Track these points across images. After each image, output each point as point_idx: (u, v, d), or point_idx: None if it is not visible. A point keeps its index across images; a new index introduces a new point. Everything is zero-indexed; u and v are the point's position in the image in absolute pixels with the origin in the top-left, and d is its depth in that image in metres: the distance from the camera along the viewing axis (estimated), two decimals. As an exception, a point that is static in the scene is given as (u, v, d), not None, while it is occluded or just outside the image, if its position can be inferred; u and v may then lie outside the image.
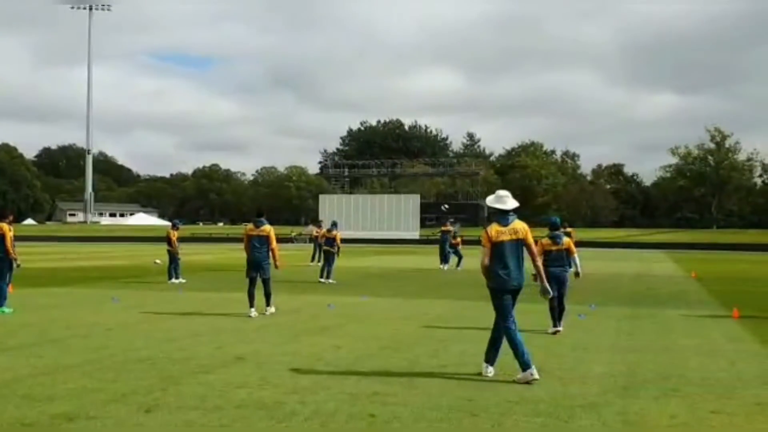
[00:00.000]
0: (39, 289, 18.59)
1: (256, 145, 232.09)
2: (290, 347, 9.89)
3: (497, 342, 8.16)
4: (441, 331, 11.63)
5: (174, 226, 22.75)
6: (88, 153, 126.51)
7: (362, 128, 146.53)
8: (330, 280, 22.05)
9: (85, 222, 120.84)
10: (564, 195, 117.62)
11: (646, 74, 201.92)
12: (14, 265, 14.25)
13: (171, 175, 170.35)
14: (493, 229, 8.00)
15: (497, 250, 7.93)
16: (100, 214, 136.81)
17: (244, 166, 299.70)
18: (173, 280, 21.21)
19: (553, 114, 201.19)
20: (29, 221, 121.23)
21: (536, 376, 7.67)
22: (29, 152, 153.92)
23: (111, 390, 7.13)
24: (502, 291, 8.01)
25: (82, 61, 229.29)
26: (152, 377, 7.76)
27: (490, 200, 8.30)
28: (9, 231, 14.12)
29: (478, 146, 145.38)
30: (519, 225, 8.11)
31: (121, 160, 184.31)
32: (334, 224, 24.25)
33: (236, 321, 12.65)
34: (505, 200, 8.19)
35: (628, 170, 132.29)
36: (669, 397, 7.10)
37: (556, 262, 11.99)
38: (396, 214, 75.56)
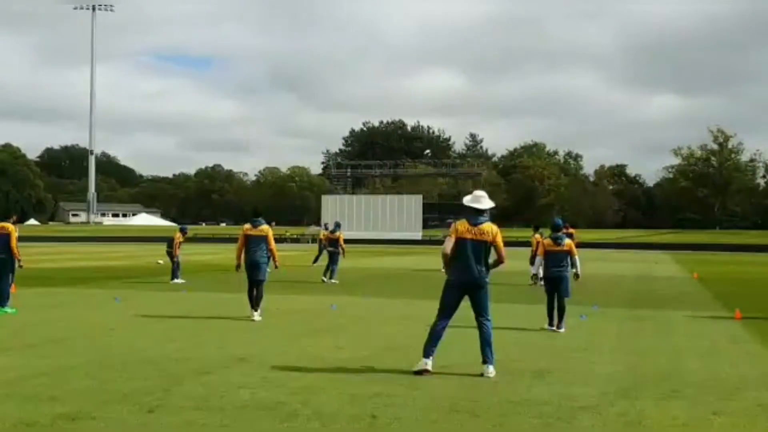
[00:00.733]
0: (41, 290, 18.61)
1: (258, 145, 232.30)
2: (292, 348, 9.90)
3: (480, 337, 8.36)
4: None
5: (183, 231, 22.84)
6: (91, 153, 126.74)
7: (365, 129, 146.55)
8: (333, 280, 22.13)
9: (87, 222, 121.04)
10: (566, 196, 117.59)
11: (648, 75, 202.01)
12: (17, 266, 14.24)
13: (173, 175, 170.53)
14: (462, 224, 8.29)
15: (459, 246, 8.22)
16: (103, 215, 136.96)
17: (246, 166, 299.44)
18: (175, 281, 21.25)
19: (555, 115, 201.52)
20: (32, 221, 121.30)
21: (429, 368, 7.98)
22: (32, 153, 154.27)
23: (113, 390, 7.14)
24: (453, 285, 8.30)
25: (83, 62, 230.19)
26: (154, 377, 7.77)
27: (467, 199, 8.56)
28: (14, 231, 14.14)
29: (481, 147, 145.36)
30: (488, 227, 8.29)
31: (124, 160, 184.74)
32: (338, 225, 24.32)
33: (238, 321, 12.66)
34: (480, 200, 8.45)
35: (631, 171, 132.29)
36: (670, 399, 7.10)
37: (557, 263, 12.10)
38: (398, 214, 75.56)
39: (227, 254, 44.80)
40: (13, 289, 14.43)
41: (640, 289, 20.97)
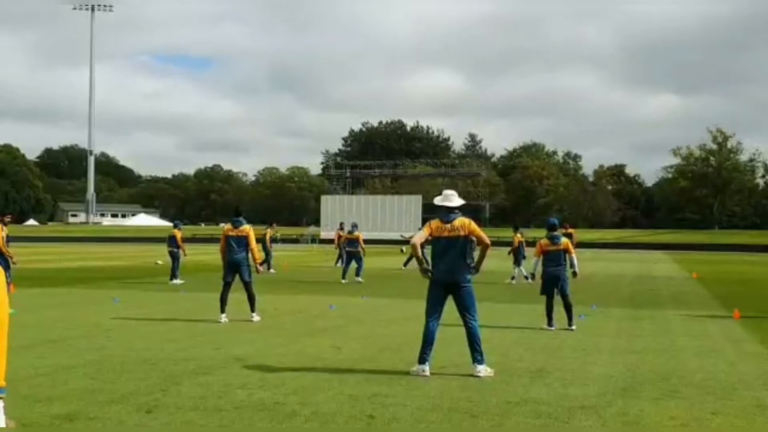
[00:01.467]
0: (40, 290, 18.61)
1: (257, 145, 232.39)
2: (290, 348, 9.90)
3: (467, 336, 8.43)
4: (441, 332, 11.55)
5: (176, 226, 22.85)
6: (90, 154, 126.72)
7: (364, 129, 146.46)
8: (358, 278, 22.62)
9: (86, 223, 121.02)
10: (566, 196, 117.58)
11: (647, 75, 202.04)
12: (10, 263, 14.18)
13: (172, 175, 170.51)
14: (435, 224, 8.44)
15: (436, 245, 8.40)
16: (102, 215, 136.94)
17: (245, 166, 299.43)
18: (174, 281, 21.24)
19: (554, 115, 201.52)
20: (31, 222, 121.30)
21: (427, 373, 8.03)
22: (31, 153, 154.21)
23: (111, 390, 7.13)
24: (435, 285, 8.44)
25: (82, 62, 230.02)
26: (152, 378, 7.76)
27: (437, 199, 8.69)
28: (1, 230, 14.14)
29: (480, 147, 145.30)
30: (460, 222, 8.38)
31: (123, 160, 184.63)
32: (355, 225, 24.83)
33: (236, 322, 12.65)
34: (450, 198, 8.57)
35: (630, 171, 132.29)
36: (669, 398, 7.10)
37: (554, 261, 12.27)
38: (398, 214, 75.56)
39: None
40: (11, 289, 14.40)
41: (639, 289, 20.97)
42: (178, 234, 22.23)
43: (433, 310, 8.47)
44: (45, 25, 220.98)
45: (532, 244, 22.91)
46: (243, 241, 12.88)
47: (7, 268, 14.03)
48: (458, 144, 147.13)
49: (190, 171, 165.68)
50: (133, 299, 16.40)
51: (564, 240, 12.43)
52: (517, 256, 22.99)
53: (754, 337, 11.35)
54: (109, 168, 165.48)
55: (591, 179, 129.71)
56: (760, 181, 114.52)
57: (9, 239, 14.81)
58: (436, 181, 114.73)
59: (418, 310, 14.66)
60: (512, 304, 16.04)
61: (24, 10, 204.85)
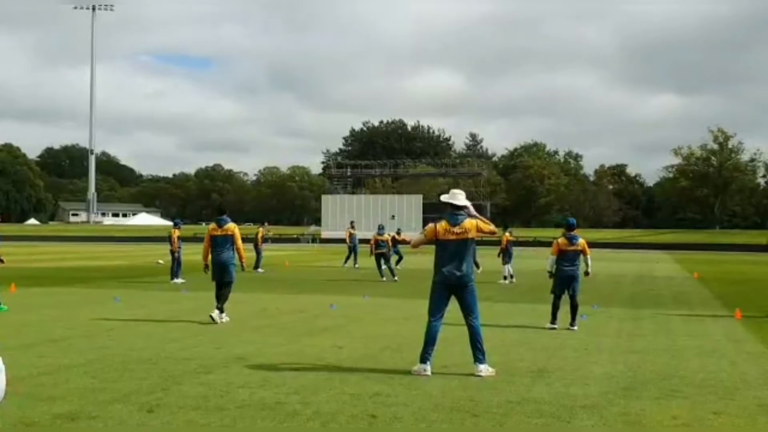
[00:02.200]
0: (41, 289, 18.61)
1: (257, 145, 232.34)
2: (292, 347, 9.89)
3: (469, 336, 8.43)
4: (442, 331, 11.58)
5: (176, 225, 22.91)
6: (91, 153, 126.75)
7: (365, 128, 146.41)
8: (394, 277, 23.24)
9: (87, 222, 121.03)
10: (567, 196, 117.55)
11: (647, 75, 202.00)
12: None
13: (173, 175, 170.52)
14: (441, 226, 8.40)
15: (442, 247, 8.35)
16: (103, 214, 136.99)
17: (246, 166, 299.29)
18: (175, 280, 21.24)
19: (554, 115, 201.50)
20: (32, 221, 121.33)
21: (428, 373, 8.01)
22: (32, 152, 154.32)
23: (113, 390, 7.13)
24: (441, 285, 8.39)
25: (83, 61, 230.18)
26: (154, 377, 7.76)
27: (445, 197, 8.68)
28: None
29: (481, 147, 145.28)
30: (468, 223, 8.39)
31: (124, 160, 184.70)
32: (382, 227, 25.41)
33: (237, 321, 12.65)
34: (457, 197, 8.56)
35: (631, 171, 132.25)
36: (670, 398, 7.09)
37: (570, 261, 12.25)
38: (398, 214, 75.51)
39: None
40: (12, 289, 14.42)
41: (640, 289, 20.96)
42: (174, 233, 22.28)
43: (437, 309, 8.45)
44: (46, 24, 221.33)
45: (531, 244, 23.02)
46: (228, 240, 12.62)
47: None
48: (459, 144, 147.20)
49: (191, 170, 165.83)
50: (134, 299, 16.41)
51: (581, 241, 12.36)
52: (506, 255, 23.04)
53: (755, 337, 11.35)
54: (110, 167, 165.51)
55: (592, 179, 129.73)
56: (761, 181, 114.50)
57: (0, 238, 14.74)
58: (436, 180, 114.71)
59: (418, 309, 14.66)
60: (513, 304, 16.04)
61: (25, 9, 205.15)
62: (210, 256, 12.77)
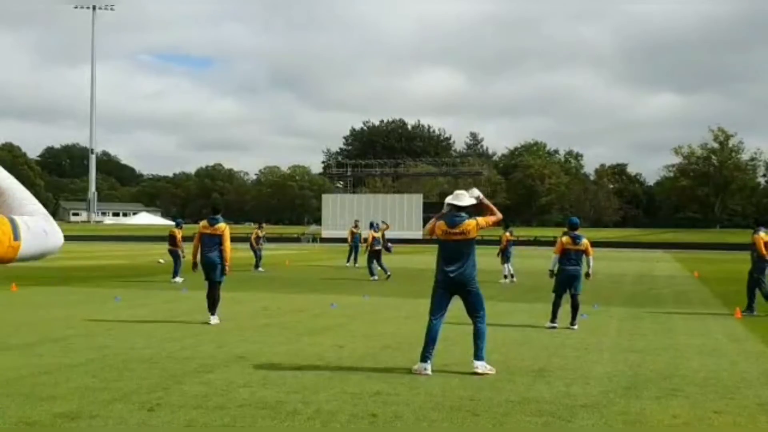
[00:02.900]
0: (41, 288, 18.61)
1: (257, 144, 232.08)
2: (292, 346, 9.89)
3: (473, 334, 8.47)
4: (443, 330, 11.59)
5: (177, 225, 22.95)
6: (92, 152, 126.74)
7: (365, 128, 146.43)
8: (387, 273, 23.22)
9: (88, 221, 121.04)
10: (567, 195, 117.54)
11: (647, 74, 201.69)
12: None
13: (174, 174, 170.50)
14: (439, 227, 8.44)
15: (442, 247, 8.41)
16: (104, 214, 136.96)
17: (246, 165, 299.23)
18: (176, 279, 21.25)
19: (554, 114, 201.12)
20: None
21: (429, 372, 8.03)
22: (33, 152, 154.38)
23: (113, 389, 7.13)
24: (441, 285, 8.44)
25: (84, 61, 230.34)
26: (154, 376, 7.77)
27: (449, 198, 8.71)
28: None
29: (481, 146, 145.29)
30: (467, 224, 8.37)
31: (125, 159, 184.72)
32: (376, 224, 25.51)
33: (238, 320, 12.65)
34: (460, 198, 8.61)
35: (631, 170, 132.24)
36: (671, 397, 7.09)
37: (573, 261, 12.25)
38: (399, 213, 75.45)
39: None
40: (13, 288, 14.42)
41: (641, 288, 20.96)
42: (178, 233, 22.29)
43: (438, 308, 8.48)
44: (46, 24, 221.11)
45: (532, 243, 23.06)
46: (217, 240, 12.50)
47: None
48: (459, 143, 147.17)
49: (191, 170, 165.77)
50: (135, 298, 16.41)
51: (585, 240, 12.35)
52: (505, 255, 23.03)
53: (755, 336, 11.35)
54: (110, 167, 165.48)
55: (592, 178, 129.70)
56: (762, 180, 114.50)
57: None
58: (437, 180, 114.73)
59: (419, 308, 14.68)
60: (513, 303, 16.04)
61: (25, 9, 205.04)
62: (200, 255, 12.64)
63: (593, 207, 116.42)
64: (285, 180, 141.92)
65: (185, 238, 22.19)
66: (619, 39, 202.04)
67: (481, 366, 8.11)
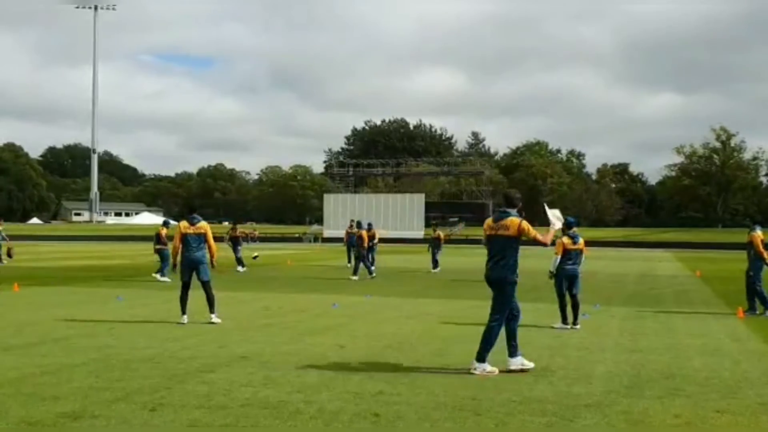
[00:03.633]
0: (44, 288, 18.63)
1: (258, 144, 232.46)
2: (294, 346, 9.90)
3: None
4: (444, 330, 11.63)
5: (165, 224, 23.15)
6: (94, 152, 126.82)
7: (367, 127, 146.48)
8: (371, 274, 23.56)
9: (90, 221, 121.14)
10: (569, 194, 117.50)
11: (648, 74, 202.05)
12: None
13: (176, 174, 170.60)
14: (486, 223, 8.58)
15: (488, 243, 8.56)
16: (106, 214, 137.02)
17: (247, 165, 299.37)
18: (157, 275, 21.46)
19: (555, 114, 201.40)
20: (34, 221, 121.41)
21: (487, 371, 8.04)
22: (35, 152, 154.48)
23: (116, 389, 7.14)
24: (487, 282, 8.55)
25: (85, 61, 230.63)
26: (157, 376, 7.77)
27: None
28: None
29: (483, 145, 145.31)
30: (509, 221, 8.38)
31: (126, 159, 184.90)
32: (360, 223, 25.88)
33: (239, 320, 12.66)
34: (506, 197, 8.81)
35: (633, 170, 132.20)
36: (673, 397, 7.09)
37: (572, 260, 12.40)
38: (400, 213, 75.49)
39: (227, 253, 44.80)
40: (15, 288, 14.44)
41: (643, 288, 20.95)
42: (164, 231, 22.53)
43: (490, 308, 8.53)
44: (48, 24, 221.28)
45: (535, 243, 22.99)
46: (201, 239, 12.47)
47: None
48: (461, 142, 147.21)
49: (192, 170, 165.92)
50: (137, 297, 16.42)
51: (581, 240, 12.58)
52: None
53: (757, 336, 11.35)
54: (112, 167, 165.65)
55: (594, 177, 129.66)
56: (764, 180, 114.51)
57: None
58: (438, 179, 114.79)
59: (421, 308, 14.70)
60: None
61: (27, 9, 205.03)
62: (180, 256, 12.54)
63: (595, 206, 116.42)
64: (286, 180, 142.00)
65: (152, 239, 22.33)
66: (619, 38, 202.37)
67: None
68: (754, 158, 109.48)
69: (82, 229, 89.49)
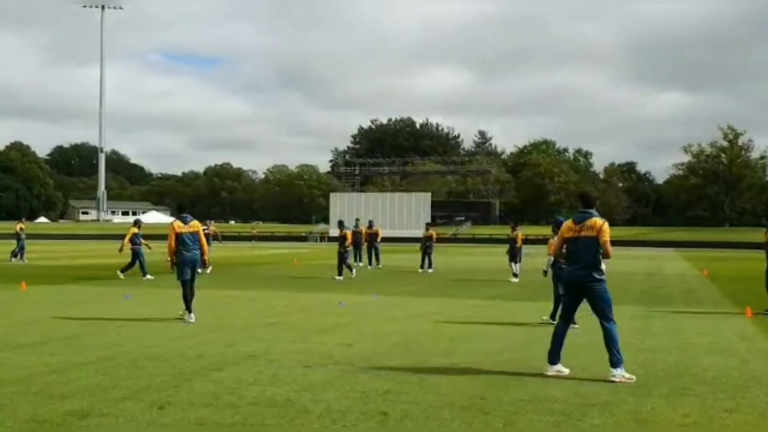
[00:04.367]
0: (52, 287, 18.68)
1: (265, 143, 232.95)
2: (301, 345, 9.90)
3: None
4: (451, 329, 11.61)
5: (137, 224, 23.37)
6: (101, 151, 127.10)
7: (373, 126, 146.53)
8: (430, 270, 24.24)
9: (97, 220, 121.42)
10: (576, 193, 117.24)
11: (654, 73, 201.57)
12: None
13: (183, 173, 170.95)
14: (566, 224, 8.44)
15: (567, 245, 8.38)
16: (113, 213, 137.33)
17: (254, 164, 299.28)
18: (120, 274, 21.60)
19: (561, 113, 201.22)
20: (42, 219, 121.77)
21: (561, 371, 7.99)
22: (42, 151, 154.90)
23: (123, 387, 7.15)
24: (565, 285, 8.49)
25: (93, 60, 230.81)
26: (165, 374, 7.78)
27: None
28: None
29: (490, 144, 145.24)
30: (592, 222, 8.30)
31: (134, 158, 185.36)
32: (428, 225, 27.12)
33: (246, 319, 12.67)
34: (584, 197, 8.74)
35: (641, 169, 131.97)
36: (681, 396, 7.07)
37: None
38: (407, 212, 75.54)
39: (235, 252, 44.85)
40: (23, 287, 14.47)
41: (650, 287, 20.90)
42: (131, 230, 22.78)
43: (566, 311, 8.47)
44: (55, 23, 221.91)
45: (542, 242, 23.10)
46: (196, 238, 12.55)
47: None
48: (468, 141, 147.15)
49: (199, 169, 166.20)
50: (145, 296, 16.45)
51: None
52: (519, 254, 23.02)
53: (766, 335, 11.30)
54: (119, 166, 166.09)
55: (602, 176, 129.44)
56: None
57: None
58: (445, 178, 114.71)
59: (427, 308, 14.69)
60: (522, 302, 16.01)
61: (35, 8, 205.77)
62: (176, 255, 12.54)
63: (602, 205, 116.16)
64: (293, 179, 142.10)
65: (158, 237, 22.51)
66: (624, 37, 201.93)
67: (617, 375, 7.79)
68: (762, 157, 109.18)
69: (89, 228, 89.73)
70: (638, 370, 8.32)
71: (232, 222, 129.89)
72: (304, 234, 75.23)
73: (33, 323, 11.89)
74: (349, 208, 72.59)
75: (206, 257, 12.83)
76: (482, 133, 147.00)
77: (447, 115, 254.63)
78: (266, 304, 15.14)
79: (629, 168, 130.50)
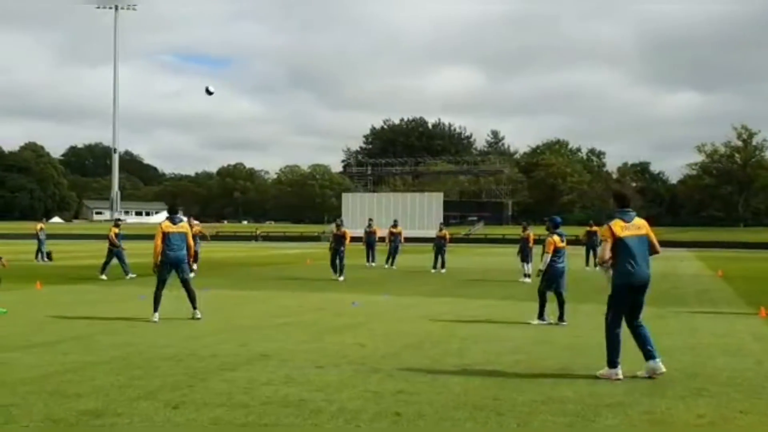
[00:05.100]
0: (65, 286, 18.78)
1: (277, 143, 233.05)
2: (314, 345, 9.91)
3: (639, 339, 8.34)
4: (464, 329, 11.59)
5: (117, 224, 23.64)
6: (115, 152, 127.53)
7: (385, 126, 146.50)
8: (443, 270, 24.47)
9: (111, 220, 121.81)
10: (589, 193, 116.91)
11: (667, 72, 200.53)
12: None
13: (196, 173, 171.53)
14: (616, 225, 8.12)
15: (621, 247, 8.06)
16: (126, 213, 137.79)
17: (266, 164, 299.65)
18: (102, 276, 21.84)
19: (574, 112, 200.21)
20: (56, 219, 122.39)
21: (620, 376, 7.91)
22: (56, 151, 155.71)
23: (138, 387, 7.18)
24: (625, 289, 8.14)
25: (105, 61, 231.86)
26: (178, 374, 7.80)
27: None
28: None
29: (503, 144, 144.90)
30: (639, 221, 8.28)
31: (147, 159, 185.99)
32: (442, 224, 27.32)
33: (259, 318, 12.70)
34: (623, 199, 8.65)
35: (654, 168, 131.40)
36: (696, 397, 7.03)
37: (561, 258, 12.77)
38: (419, 212, 75.53)
39: (249, 252, 44.95)
40: (38, 286, 14.54)
41: (664, 287, 20.79)
42: (113, 231, 22.98)
43: (625, 316, 8.39)
44: (69, 24, 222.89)
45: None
46: (184, 238, 12.66)
47: None
48: (480, 141, 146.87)
49: (212, 169, 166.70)
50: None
51: (565, 237, 13.02)
52: (529, 254, 23.00)
53: (781, 336, 11.23)
54: (133, 166, 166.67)
55: (615, 176, 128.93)
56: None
57: None
58: (457, 178, 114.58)
59: (439, 307, 14.67)
60: (534, 303, 15.94)
61: (48, 9, 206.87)
62: (161, 255, 12.71)
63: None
64: (305, 179, 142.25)
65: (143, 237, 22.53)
66: (637, 37, 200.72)
67: (656, 365, 8.00)
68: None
69: (103, 228, 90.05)
70: (652, 371, 8.29)
71: (245, 222, 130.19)
72: (316, 234, 75.29)
73: (47, 323, 11.96)
74: (361, 208, 72.67)
75: (190, 259, 12.88)
76: (495, 133, 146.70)
77: (459, 115, 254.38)
78: (279, 304, 15.17)
79: (642, 168, 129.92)
